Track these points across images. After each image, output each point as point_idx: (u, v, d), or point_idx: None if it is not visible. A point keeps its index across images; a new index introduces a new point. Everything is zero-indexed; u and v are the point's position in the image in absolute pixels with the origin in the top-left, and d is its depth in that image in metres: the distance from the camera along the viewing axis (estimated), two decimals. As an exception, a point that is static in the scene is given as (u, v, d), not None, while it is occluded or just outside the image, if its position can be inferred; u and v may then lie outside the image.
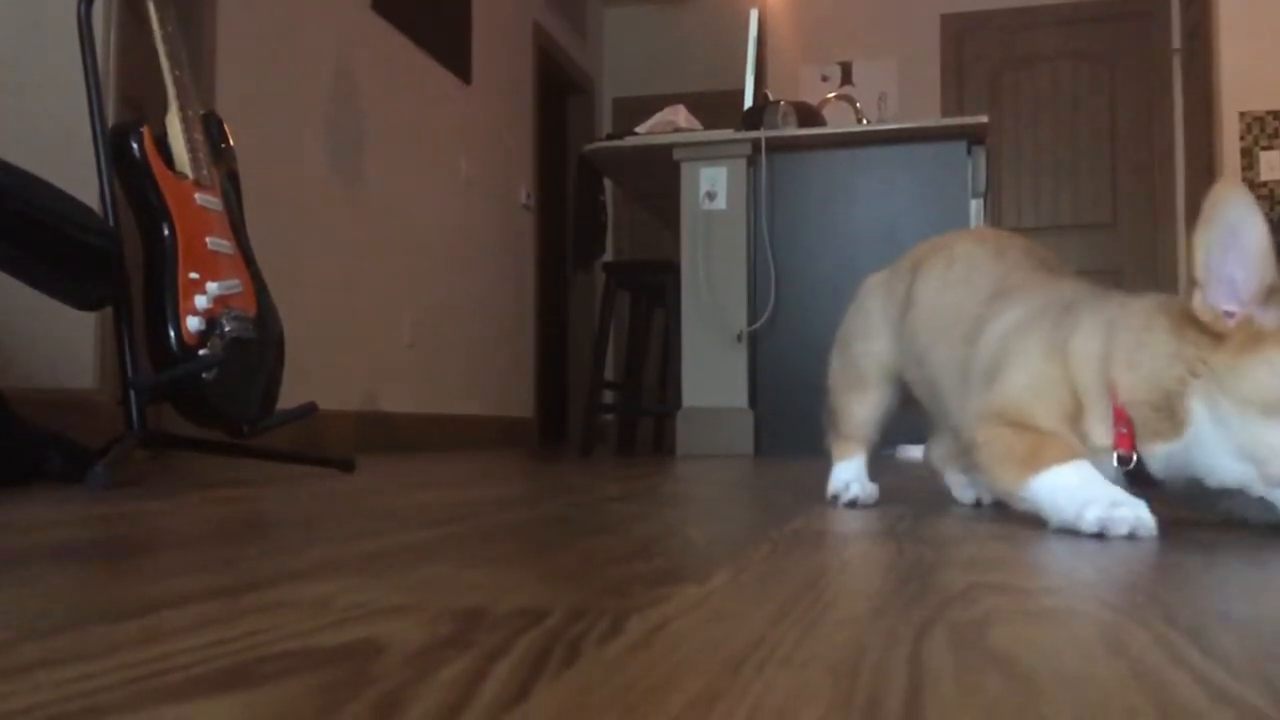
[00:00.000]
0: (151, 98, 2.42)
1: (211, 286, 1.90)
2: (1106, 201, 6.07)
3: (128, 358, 1.84)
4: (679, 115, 4.01)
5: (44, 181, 1.75)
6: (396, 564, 0.78)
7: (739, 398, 3.69)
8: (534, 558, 0.83)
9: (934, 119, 4.38)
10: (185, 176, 1.94)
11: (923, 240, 1.44)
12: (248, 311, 1.98)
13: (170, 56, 1.96)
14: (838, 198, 3.67)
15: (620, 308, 4.93)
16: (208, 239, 1.94)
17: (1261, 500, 1.01)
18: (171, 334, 1.83)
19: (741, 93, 3.96)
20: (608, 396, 4.77)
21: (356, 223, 3.97)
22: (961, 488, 1.42)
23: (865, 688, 0.42)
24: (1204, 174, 5.17)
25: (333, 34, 3.83)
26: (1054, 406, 1.05)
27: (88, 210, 1.82)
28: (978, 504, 1.38)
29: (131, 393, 1.82)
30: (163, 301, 1.83)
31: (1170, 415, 0.97)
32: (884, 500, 1.42)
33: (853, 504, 1.36)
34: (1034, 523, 1.07)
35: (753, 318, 3.70)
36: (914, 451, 2.67)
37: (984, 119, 3.56)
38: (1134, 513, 0.96)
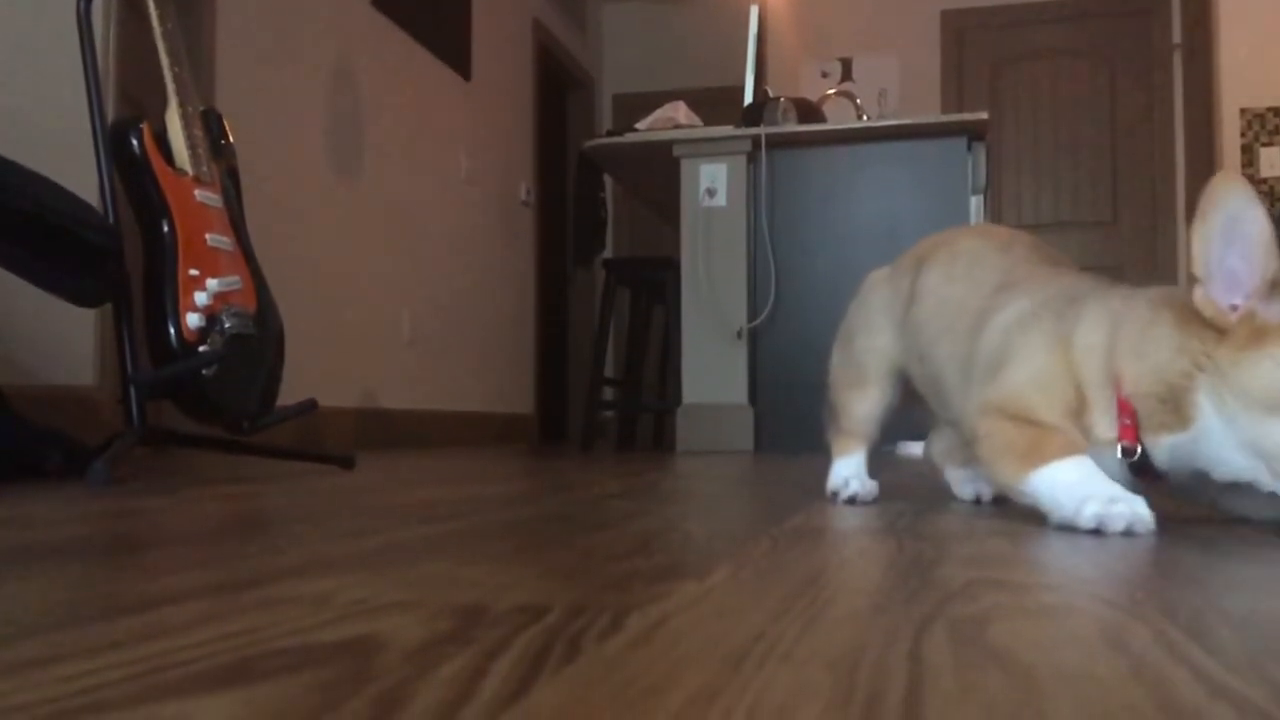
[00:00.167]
0: (151, 94, 2.42)
1: (211, 283, 1.90)
2: (1106, 198, 6.07)
3: (128, 354, 1.84)
4: (679, 112, 4.01)
5: (44, 178, 1.75)
6: (396, 560, 0.78)
7: (739, 394, 3.69)
8: (534, 554, 0.83)
9: (934, 115, 4.38)
10: (185, 173, 1.94)
11: (923, 237, 1.44)
12: (248, 308, 1.98)
13: (170, 53, 1.96)
14: (838, 194, 3.67)
15: (620, 304, 4.93)
16: (208, 235, 1.94)
17: (1269, 496, 1.01)
18: (171, 330, 1.83)
19: (742, 89, 3.95)
20: (608, 393, 4.77)
21: (356, 219, 3.97)
22: (961, 484, 1.42)
23: (865, 684, 0.42)
24: (1204, 170, 5.17)
25: (333, 30, 3.82)
26: (1056, 400, 1.05)
27: (88, 207, 1.82)
28: (977, 500, 1.38)
29: (131, 389, 1.82)
30: (163, 298, 1.83)
31: (1175, 408, 0.97)
32: (884, 497, 1.42)
33: (852, 500, 1.36)
34: (1034, 519, 1.07)
35: (753, 314, 3.70)
36: (914, 448, 2.67)
37: (984, 115, 3.56)
38: (1130, 508, 0.96)
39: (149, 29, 1.97)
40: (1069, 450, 1.03)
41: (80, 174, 2.10)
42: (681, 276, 3.79)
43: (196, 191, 1.95)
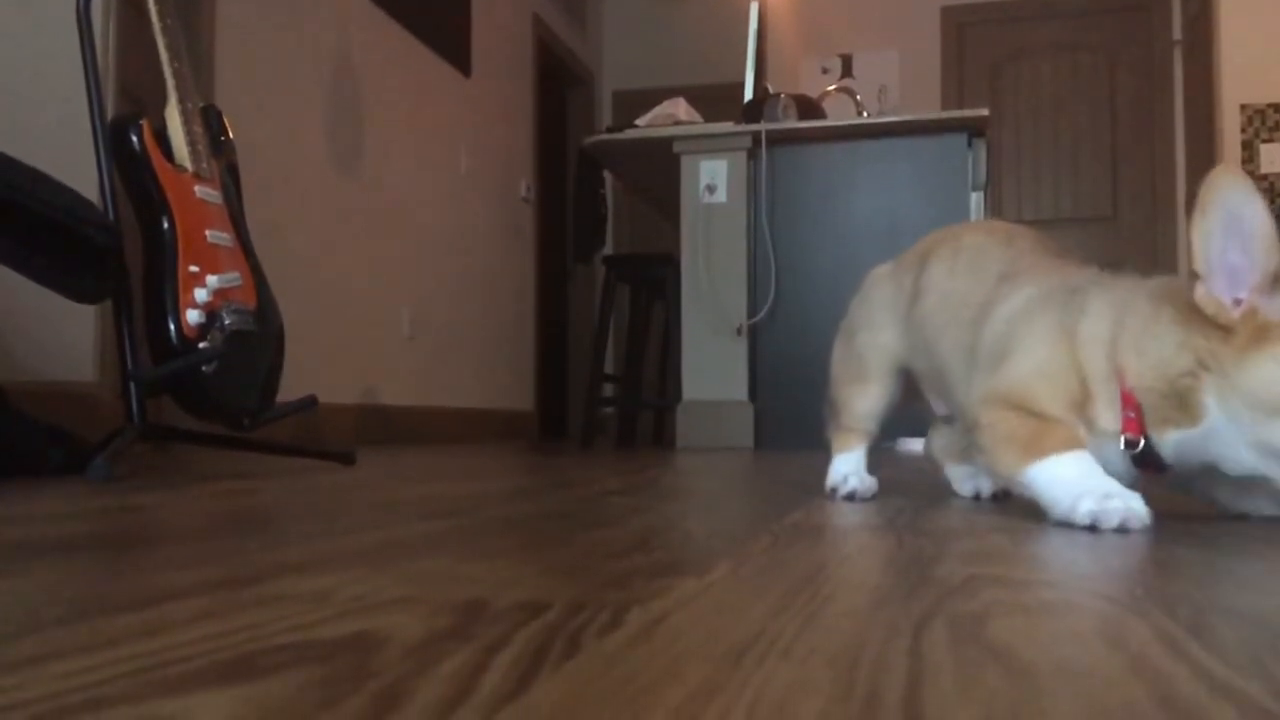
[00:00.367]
0: (151, 91, 2.41)
1: (211, 279, 1.90)
2: (1107, 194, 6.06)
3: (128, 351, 1.84)
4: (679, 108, 4.00)
5: (44, 175, 1.75)
6: (397, 557, 0.78)
7: (739, 391, 3.69)
8: (534, 551, 0.83)
9: (934, 112, 4.38)
10: (185, 169, 1.94)
11: (924, 233, 1.44)
12: (247, 304, 1.98)
13: (169, 49, 1.96)
14: (838, 191, 3.67)
15: (620, 301, 4.93)
16: (207, 232, 1.94)
17: (1270, 493, 1.02)
18: (171, 327, 1.83)
19: (742, 85, 3.95)
20: (608, 390, 4.77)
21: (356, 215, 3.97)
22: (961, 481, 1.42)
23: (865, 680, 0.42)
24: (1204, 166, 5.15)
25: (332, 26, 3.82)
26: (1060, 392, 1.04)
27: (87, 203, 1.82)
28: (977, 497, 1.38)
29: (132, 386, 1.82)
30: (163, 295, 1.83)
31: (1180, 403, 0.97)
32: (884, 493, 1.42)
33: (851, 497, 1.36)
34: (1034, 516, 1.07)
35: (753, 311, 3.70)
36: (914, 445, 2.67)
37: (984, 112, 3.56)
38: (1125, 504, 0.97)
39: (148, 25, 1.97)
40: (1069, 445, 1.03)
41: (80, 170, 2.10)
42: (681, 273, 3.78)
43: (196, 188, 1.95)
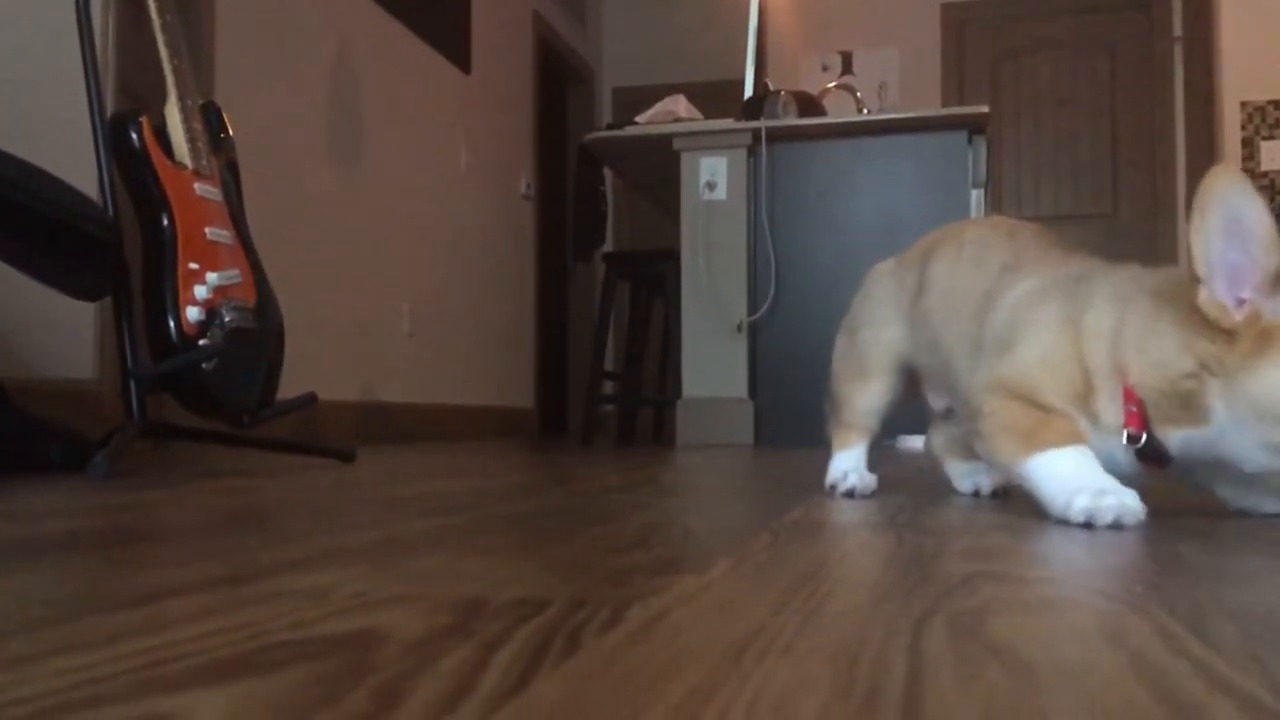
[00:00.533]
0: (150, 88, 2.41)
1: (211, 277, 1.90)
2: (1107, 192, 6.06)
3: (128, 348, 1.84)
4: (679, 105, 4.00)
5: (43, 171, 1.75)
6: (397, 554, 0.78)
7: (739, 388, 3.69)
8: (534, 548, 0.83)
9: (934, 109, 4.37)
10: (184, 166, 1.94)
11: (925, 230, 1.44)
12: (247, 302, 1.98)
13: (169, 46, 1.96)
14: (838, 188, 3.67)
15: (620, 298, 4.92)
16: (207, 229, 1.94)
17: (1271, 490, 1.02)
18: (171, 324, 1.82)
19: (742, 82, 3.95)
20: (608, 387, 4.77)
21: (356, 213, 3.96)
22: (961, 478, 1.42)
23: (865, 677, 0.42)
24: (1205, 164, 5.15)
25: (332, 23, 3.82)
26: (1062, 383, 1.04)
27: (87, 200, 1.82)
28: (977, 494, 1.38)
29: (131, 383, 1.82)
30: (162, 292, 1.83)
31: (1184, 404, 0.97)
32: (884, 490, 1.42)
33: (850, 494, 1.36)
34: (1034, 513, 1.07)
35: (753, 308, 3.70)
36: (914, 442, 2.66)
37: (985, 109, 3.55)
38: (1118, 500, 0.97)
39: (148, 22, 1.97)
40: (1068, 439, 1.03)
41: (80, 168, 2.10)
42: (681, 270, 3.78)
43: (196, 185, 1.95)
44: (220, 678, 0.41)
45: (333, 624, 0.52)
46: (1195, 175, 5.49)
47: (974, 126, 3.58)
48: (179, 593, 0.61)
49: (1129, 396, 1.01)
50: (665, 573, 0.69)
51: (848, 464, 1.39)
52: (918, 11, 6.34)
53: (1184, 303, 0.96)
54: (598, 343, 4.16)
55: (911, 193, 3.59)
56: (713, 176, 3.73)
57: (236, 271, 1.97)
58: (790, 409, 3.62)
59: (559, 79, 6.52)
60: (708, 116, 4.04)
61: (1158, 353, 0.98)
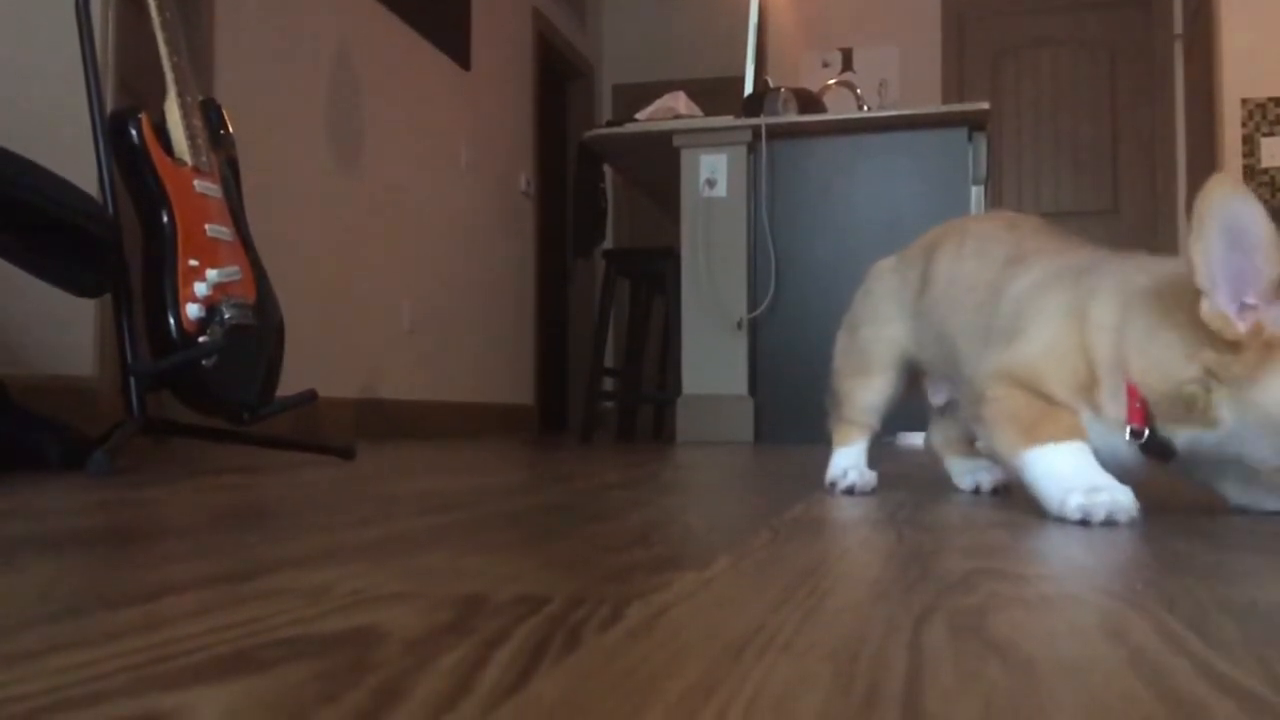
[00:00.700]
0: (150, 84, 2.41)
1: (211, 273, 1.90)
2: (1107, 188, 6.06)
3: (127, 345, 1.84)
4: (679, 102, 4.00)
5: (43, 168, 1.75)
6: (397, 551, 0.78)
7: (739, 385, 3.69)
8: (534, 545, 0.83)
9: (935, 105, 4.37)
10: (184, 163, 1.94)
11: (925, 227, 1.44)
12: (247, 298, 1.98)
13: (169, 43, 1.96)
14: (838, 185, 3.67)
15: (620, 295, 4.92)
16: (207, 226, 1.94)
17: (1273, 487, 1.02)
18: (171, 321, 1.82)
19: (742, 79, 3.94)
20: (608, 384, 4.77)
21: (356, 209, 3.96)
22: (961, 474, 1.42)
23: (865, 674, 0.42)
24: (1205, 160, 5.16)
25: (332, 20, 3.81)
26: (1067, 374, 1.04)
27: (87, 197, 1.82)
28: (977, 491, 1.38)
29: (131, 380, 1.82)
30: (162, 288, 1.83)
31: (1189, 407, 0.96)
32: (884, 487, 1.42)
33: (850, 491, 1.36)
34: (1033, 510, 1.07)
35: (753, 305, 3.69)
36: (914, 439, 2.66)
37: (985, 105, 3.55)
38: (1111, 497, 0.97)
39: (148, 19, 1.97)
40: (1069, 434, 1.03)
41: (79, 164, 2.10)
42: (681, 267, 3.78)
43: (196, 182, 1.95)
44: (220, 675, 0.41)
45: (333, 621, 0.52)
46: (1195, 172, 5.50)
47: (974, 123, 3.58)
48: (179, 589, 0.61)
49: (1132, 393, 1.00)
50: (665, 570, 0.69)
51: (848, 461, 1.39)
52: (918, 8, 6.33)
53: (1188, 309, 0.95)
54: (598, 339, 4.16)
55: (912, 190, 3.59)
56: (713, 173, 3.73)
57: (236, 268, 1.97)
58: (790, 406, 3.62)
59: (559, 76, 6.51)
60: (708, 113, 4.04)
61: (1162, 358, 0.97)
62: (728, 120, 3.75)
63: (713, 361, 3.71)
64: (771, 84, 4.00)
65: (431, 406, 4.48)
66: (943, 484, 1.45)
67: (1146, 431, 1.00)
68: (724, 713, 0.37)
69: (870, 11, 6.40)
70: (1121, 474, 1.02)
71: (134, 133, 1.87)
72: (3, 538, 0.88)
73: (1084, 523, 0.98)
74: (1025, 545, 0.85)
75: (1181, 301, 0.96)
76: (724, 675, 0.42)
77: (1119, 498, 0.97)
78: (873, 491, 1.37)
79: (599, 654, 0.45)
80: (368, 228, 4.04)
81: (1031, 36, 6.19)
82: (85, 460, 1.64)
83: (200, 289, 1.87)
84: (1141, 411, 1.00)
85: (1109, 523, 0.97)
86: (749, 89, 3.87)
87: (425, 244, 4.52)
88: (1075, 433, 1.03)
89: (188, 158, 1.94)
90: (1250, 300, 0.92)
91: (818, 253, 3.65)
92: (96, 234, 1.80)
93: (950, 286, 1.27)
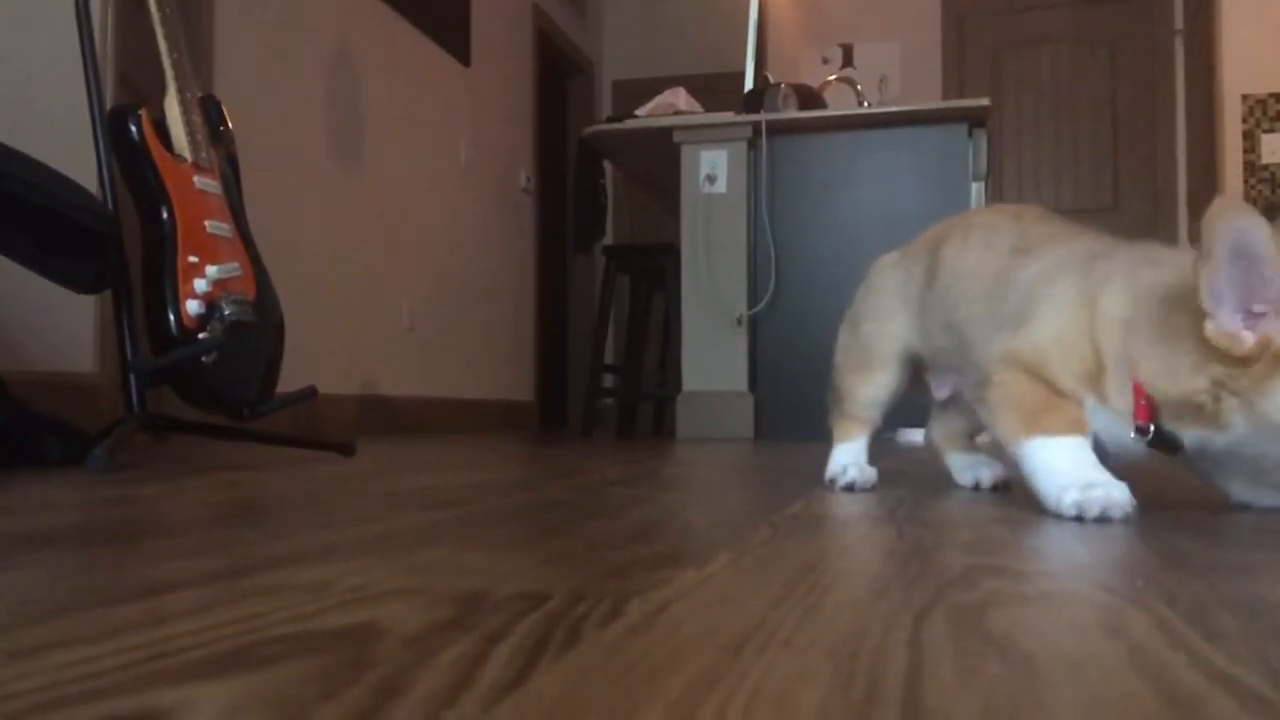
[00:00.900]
0: (150, 80, 2.41)
1: (211, 270, 1.90)
2: (1107, 185, 6.06)
3: (127, 341, 1.84)
4: (679, 98, 3.99)
5: (43, 164, 1.75)
6: (397, 547, 0.78)
7: (739, 381, 3.69)
8: (534, 541, 0.83)
9: (935, 102, 4.36)
10: (184, 159, 1.94)
11: (925, 223, 1.44)
12: (247, 295, 1.98)
13: (168, 39, 1.96)
14: (838, 181, 3.66)
15: (620, 291, 4.92)
16: (207, 222, 1.94)
17: (1275, 486, 1.02)
18: (171, 318, 1.82)
19: (742, 75, 3.94)
20: (608, 380, 4.77)
21: (356, 206, 3.96)
22: (961, 470, 1.42)
23: (865, 670, 0.42)
24: (1206, 156, 5.16)
25: (332, 16, 3.81)
26: (1074, 362, 1.04)
27: (87, 193, 1.82)
28: (977, 487, 1.38)
29: (131, 376, 1.82)
30: (162, 285, 1.83)
31: (1198, 413, 0.96)
32: (884, 483, 1.42)
33: (850, 488, 1.36)
34: (1033, 507, 1.07)
35: (753, 301, 3.69)
36: (915, 435, 2.66)
37: (985, 102, 3.55)
38: (1105, 493, 0.98)
39: (147, 15, 1.96)
40: (1070, 428, 1.03)
41: (79, 161, 2.09)
42: (681, 263, 3.78)
43: (196, 178, 1.95)
44: (220, 671, 0.41)
45: (333, 617, 0.52)
46: (1196, 168, 5.50)
47: (974, 119, 3.58)
48: (178, 586, 0.61)
49: (1138, 391, 1.00)
50: (665, 566, 0.69)
51: (848, 457, 1.39)
52: (918, 4, 6.32)
53: (1196, 311, 0.93)
54: (598, 336, 4.16)
55: (912, 186, 3.59)
56: (713, 169, 3.73)
57: (236, 265, 1.97)
58: (790, 402, 3.62)
59: (559, 72, 6.51)
60: (708, 109, 4.04)
61: (1170, 366, 0.97)
62: (728, 116, 3.75)
63: (713, 358, 3.71)
64: (772, 80, 4.00)
65: (432, 403, 4.48)
66: (942, 480, 1.46)
67: (1152, 428, 1.00)
68: (724, 709, 0.37)
69: (870, 7, 6.39)
70: (1126, 460, 1.02)
71: (134, 129, 1.87)
72: (2, 534, 0.88)
73: (1078, 519, 0.98)
74: (1025, 541, 0.85)
75: (1190, 311, 0.95)
76: (724, 671, 0.42)
77: (1113, 494, 0.98)
78: (873, 488, 1.37)
79: (599, 650, 0.45)
80: (367, 224, 4.04)
81: (1032, 32, 6.18)
82: (85, 457, 1.64)
83: (200, 285, 1.87)
84: (1147, 409, 1.00)
85: (1103, 519, 0.97)
86: (749, 85, 3.87)
87: (425, 240, 4.52)
88: (1077, 426, 1.03)
89: (187, 154, 1.94)
90: (1258, 308, 0.91)
91: (818, 249, 3.65)
92: (96, 230, 1.80)
93: (957, 277, 1.27)
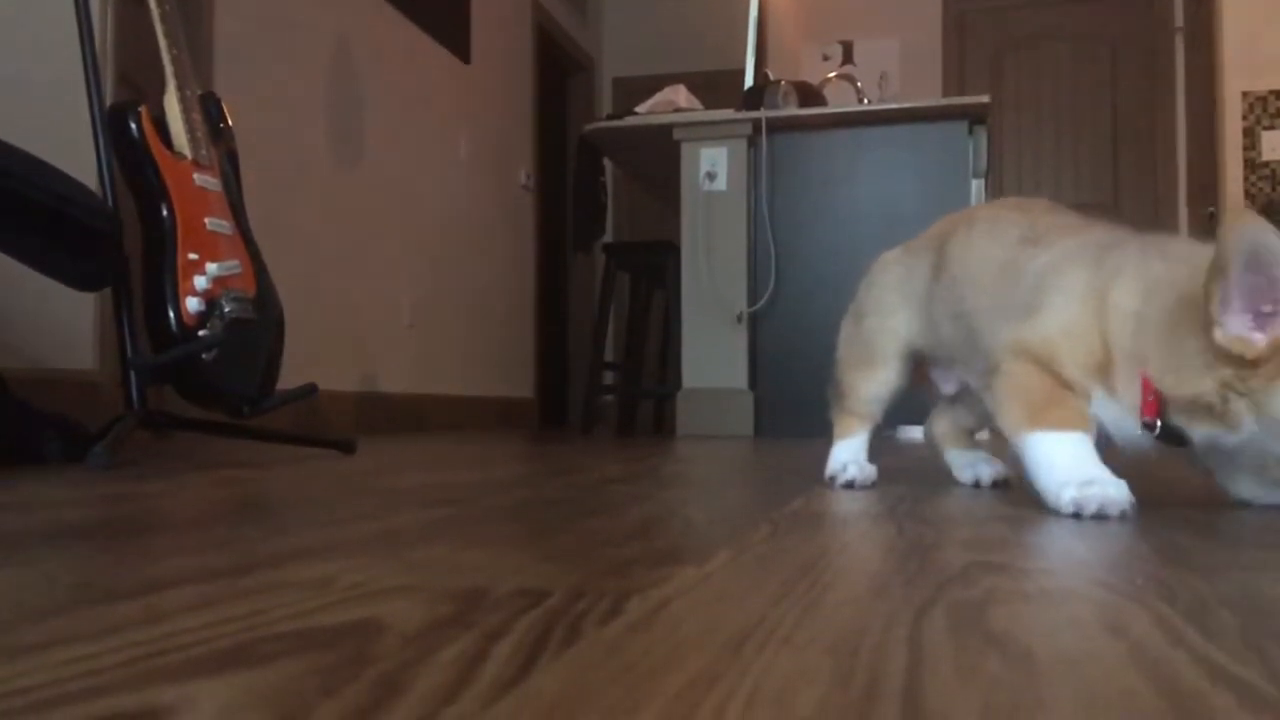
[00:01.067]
0: (149, 78, 2.41)
1: (211, 267, 1.90)
2: (1108, 182, 6.05)
3: (127, 339, 1.84)
4: (679, 95, 3.99)
5: (43, 162, 1.75)
6: (397, 544, 0.78)
7: (739, 379, 3.69)
8: (534, 539, 0.83)
9: (935, 99, 4.36)
10: (184, 157, 1.94)
11: (926, 220, 1.44)
12: (247, 292, 1.98)
13: (168, 36, 1.95)
14: (838, 178, 3.66)
15: (620, 289, 4.92)
16: (207, 219, 1.94)
17: (1276, 483, 1.03)
18: (171, 315, 1.82)
19: (742, 72, 3.94)
20: (608, 377, 4.77)
21: (356, 203, 3.96)
22: (961, 468, 1.42)
23: (865, 668, 0.42)
24: (1206, 153, 5.16)
25: (332, 13, 3.81)
26: (1083, 354, 1.03)
27: (86, 191, 1.82)
28: (977, 484, 1.38)
29: (131, 374, 1.82)
30: (162, 282, 1.83)
31: (1207, 411, 0.96)
32: (884, 481, 1.42)
33: (850, 485, 1.36)
34: (1033, 504, 1.07)
35: (753, 299, 3.69)
36: (915, 432, 2.66)
37: (985, 99, 3.54)
38: (1103, 491, 0.98)
39: (147, 12, 1.96)
40: (1074, 423, 1.02)
41: (79, 158, 2.09)
42: (681, 261, 3.78)
43: (195, 175, 1.94)
44: (220, 668, 0.41)
45: (333, 614, 0.52)
46: (1196, 165, 5.49)
47: (975, 117, 3.57)
48: (179, 583, 0.61)
49: (1147, 386, 1.00)
50: (665, 564, 0.69)
51: (848, 454, 1.39)
52: (919, 1, 6.32)
53: (1207, 323, 0.93)
54: (598, 333, 4.16)
55: (912, 183, 3.59)
56: (713, 167, 3.73)
57: (236, 262, 1.97)
58: (790, 400, 3.62)
59: (559, 69, 6.50)
60: (708, 106, 4.03)
61: (1179, 365, 0.96)
62: (728, 113, 3.75)
63: (713, 355, 3.71)
64: (772, 77, 4.00)
65: (432, 400, 4.49)
66: (942, 477, 1.46)
67: (1159, 424, 1.00)
68: (724, 706, 0.37)
69: (871, 4, 6.39)
70: (1133, 453, 1.02)
71: (133, 126, 1.87)
72: (2, 531, 0.88)
73: (1076, 515, 0.98)
74: (1025, 539, 0.85)
75: (1200, 312, 0.94)
76: (724, 669, 0.42)
77: (1111, 492, 0.98)
78: (872, 485, 1.37)
79: (599, 648, 0.45)
80: (368, 221, 4.04)
81: (1032, 29, 6.18)
82: (85, 454, 1.64)
83: (200, 282, 1.87)
84: (1155, 403, 1.00)
85: (1100, 516, 0.97)
86: (749, 82, 3.86)
87: (425, 237, 4.52)
88: (1080, 422, 1.03)
89: (187, 151, 1.94)
90: (1266, 308, 0.91)
91: (818, 246, 3.65)
92: (96, 227, 1.79)
93: (964, 269, 1.27)
